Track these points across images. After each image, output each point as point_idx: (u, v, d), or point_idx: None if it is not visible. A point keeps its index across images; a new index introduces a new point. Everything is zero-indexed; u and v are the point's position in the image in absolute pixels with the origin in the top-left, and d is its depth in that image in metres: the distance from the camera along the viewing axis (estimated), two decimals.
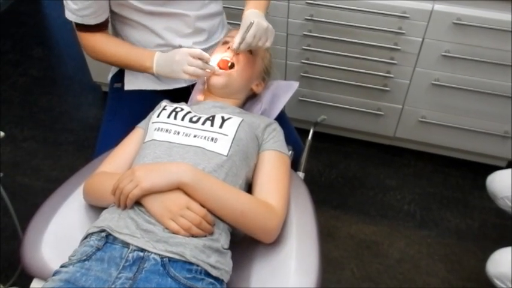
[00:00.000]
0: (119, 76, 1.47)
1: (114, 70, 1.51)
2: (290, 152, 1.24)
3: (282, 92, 1.35)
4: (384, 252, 1.83)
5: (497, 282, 1.22)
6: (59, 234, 1.11)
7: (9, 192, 1.47)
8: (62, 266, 0.94)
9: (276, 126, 1.18)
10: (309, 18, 1.79)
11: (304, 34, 1.84)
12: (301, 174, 1.33)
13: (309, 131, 1.45)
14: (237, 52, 1.21)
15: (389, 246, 1.85)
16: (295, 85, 1.36)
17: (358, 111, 2.01)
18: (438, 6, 1.63)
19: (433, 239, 1.86)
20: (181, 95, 1.40)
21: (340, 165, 2.15)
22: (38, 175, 2.07)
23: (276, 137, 1.15)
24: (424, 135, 2.02)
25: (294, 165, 1.32)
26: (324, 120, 1.48)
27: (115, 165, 1.15)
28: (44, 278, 1.05)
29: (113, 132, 1.39)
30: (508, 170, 1.39)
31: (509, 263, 1.20)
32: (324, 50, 1.86)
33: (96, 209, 1.14)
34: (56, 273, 0.93)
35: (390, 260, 1.80)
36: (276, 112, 1.32)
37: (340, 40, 1.81)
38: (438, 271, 1.76)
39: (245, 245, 1.07)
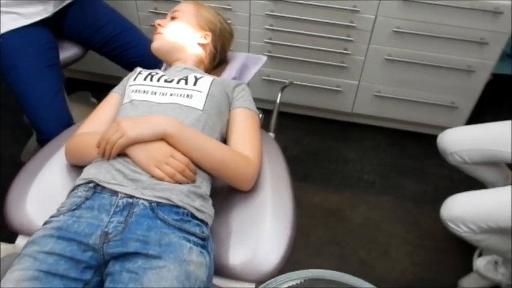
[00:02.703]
0: None
1: None
2: (260, 114, 1.33)
3: (251, 64, 1.44)
4: (347, 217, 1.95)
5: (452, 226, 1.35)
6: (42, 192, 1.15)
7: None
8: (51, 217, 0.99)
9: (245, 87, 1.26)
10: None
11: (266, 14, 1.94)
12: (271, 135, 1.42)
13: (271, 111, 1.54)
14: (158, 23, 1.32)
15: (352, 212, 1.97)
16: (263, 58, 1.45)
17: (319, 88, 2.12)
18: None
19: (392, 203, 2.00)
20: (52, 24, 1.60)
21: (303, 141, 2.27)
22: None
23: (245, 96, 1.23)
24: (379, 109, 2.16)
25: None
26: (291, 84, 1.58)
27: (93, 127, 1.19)
28: (29, 235, 1.09)
29: (32, 84, 1.51)
30: (456, 128, 1.53)
31: (461, 207, 1.33)
32: (286, 29, 1.96)
33: (77, 169, 1.18)
34: (46, 223, 0.98)
35: (353, 225, 1.92)
36: (245, 81, 1.41)
37: (301, 19, 1.92)
38: (398, 232, 1.89)
39: (224, 193, 1.15)
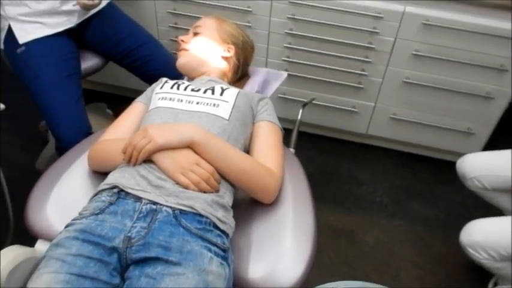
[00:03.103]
0: (11, 42, 1.56)
1: (1, 38, 1.60)
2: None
3: (273, 79, 1.45)
4: (360, 239, 1.92)
5: (471, 251, 1.33)
6: (62, 198, 1.15)
7: None
8: (73, 220, 0.98)
9: (268, 101, 1.27)
10: (291, 17, 1.90)
11: (286, 32, 1.95)
12: (292, 150, 1.42)
13: (289, 130, 1.54)
14: (181, 40, 1.34)
15: (364, 234, 1.95)
16: (284, 75, 1.47)
17: (334, 108, 2.13)
18: (409, 8, 1.78)
19: (404, 227, 1.98)
20: (74, 35, 1.63)
21: (317, 161, 2.26)
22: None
23: (269, 109, 1.24)
24: (394, 132, 2.16)
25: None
26: (312, 101, 1.58)
27: (116, 135, 1.20)
28: (48, 239, 1.08)
29: (53, 92, 1.53)
30: (477, 153, 1.52)
31: (481, 232, 1.32)
32: (304, 48, 1.97)
33: (98, 176, 1.18)
34: (68, 225, 0.97)
35: (365, 247, 1.90)
36: (267, 95, 1.41)
37: (320, 39, 1.93)
38: (409, 255, 1.87)
39: (244, 206, 1.14)
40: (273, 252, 1.05)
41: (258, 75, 1.43)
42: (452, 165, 2.16)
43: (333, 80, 2.04)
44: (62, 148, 1.47)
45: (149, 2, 2.03)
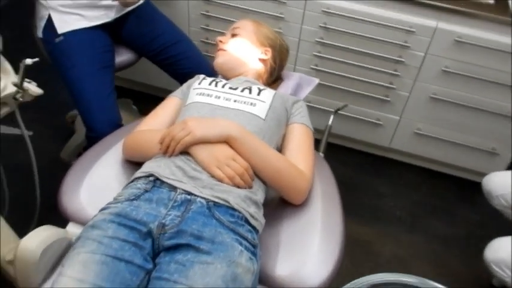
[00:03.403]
0: (50, 31, 1.58)
1: (41, 26, 1.62)
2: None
3: (305, 84, 1.47)
4: (376, 251, 1.92)
5: (495, 269, 1.32)
6: (95, 184, 1.17)
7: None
8: (108, 204, 1.00)
9: (303, 104, 1.28)
10: (323, 25, 1.92)
11: (316, 41, 1.97)
12: (321, 155, 1.43)
13: (317, 140, 1.54)
14: (220, 40, 1.37)
15: (381, 247, 1.94)
16: (316, 81, 1.48)
17: (359, 119, 2.13)
18: (442, 24, 1.79)
19: (421, 243, 1.97)
20: (111, 29, 1.67)
21: (337, 171, 2.24)
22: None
23: (302, 112, 1.25)
24: (417, 147, 2.16)
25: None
26: (345, 107, 1.59)
27: (151, 127, 1.22)
28: (80, 222, 1.10)
29: (88, 82, 1.55)
30: (504, 172, 1.52)
31: (507, 250, 1.31)
32: (333, 58, 1.99)
33: (131, 166, 1.20)
34: (103, 209, 0.99)
35: (381, 259, 1.89)
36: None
37: (349, 49, 1.95)
38: (427, 272, 1.85)
39: (273, 206, 1.15)
40: (301, 252, 1.05)
41: (292, 79, 1.45)
42: (473, 184, 2.17)
43: (359, 91, 2.05)
44: (92, 137, 1.49)
45: (183, 2, 2.06)
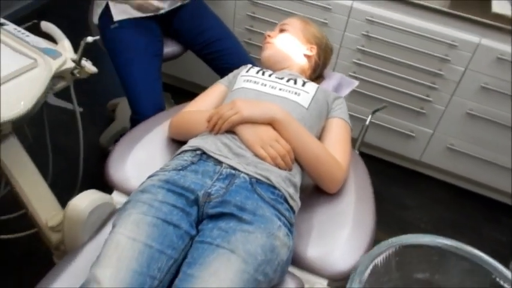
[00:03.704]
0: (106, 18, 1.67)
1: (98, 12, 1.70)
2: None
3: (345, 85, 1.51)
4: None
5: None
6: (140, 158, 1.24)
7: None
8: (156, 172, 1.06)
9: (343, 100, 1.33)
10: (365, 33, 1.96)
11: (357, 48, 2.01)
12: (356, 152, 1.47)
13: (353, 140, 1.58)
14: (268, 34, 1.43)
15: None
16: (356, 83, 1.53)
17: (391, 130, 2.15)
18: (485, 41, 1.81)
19: None
20: (162, 21, 1.75)
21: None
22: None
23: (343, 108, 1.30)
24: (448, 163, 2.16)
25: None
26: (384, 108, 1.63)
27: (198, 109, 1.28)
28: (124, 191, 1.16)
29: (137, 68, 1.63)
30: None
31: None
32: (372, 66, 2.02)
33: (175, 144, 1.26)
34: (151, 176, 1.05)
35: None
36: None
37: (389, 58, 1.98)
38: None
39: (308, 193, 1.19)
40: (331, 239, 1.09)
41: (333, 78, 1.49)
42: (502, 205, 2.15)
43: (395, 101, 2.07)
44: (137, 120, 1.56)
45: (231, 2, 2.13)
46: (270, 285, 0.97)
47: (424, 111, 2.05)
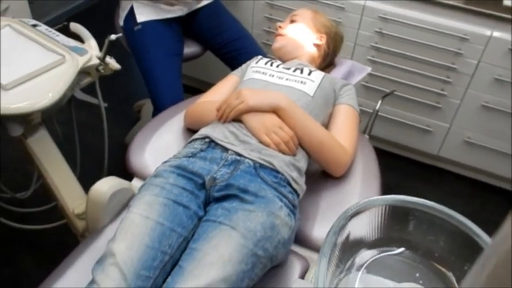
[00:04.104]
0: (130, 21, 1.77)
1: (123, 16, 1.81)
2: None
3: (357, 71, 1.56)
4: None
5: None
6: (158, 146, 1.32)
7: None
8: (169, 159, 1.14)
9: (352, 87, 1.38)
10: (378, 31, 2.01)
11: (371, 45, 2.06)
12: (366, 137, 1.52)
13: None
14: (279, 25, 1.49)
15: None
16: (368, 69, 1.57)
17: (408, 125, 2.18)
18: (496, 33, 1.83)
19: None
20: (183, 22, 1.85)
21: (384, 177, 2.29)
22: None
23: (350, 94, 1.35)
24: (467, 156, 2.17)
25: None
26: (392, 93, 1.68)
27: (212, 99, 1.36)
28: (142, 178, 1.25)
29: (159, 67, 1.73)
30: None
31: None
32: (386, 62, 2.07)
33: (190, 132, 1.35)
34: (165, 162, 1.13)
35: None
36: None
37: (403, 54, 2.02)
38: None
39: (315, 177, 1.25)
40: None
41: (343, 65, 1.55)
42: None
43: (411, 97, 2.11)
44: None
45: (249, 3, 2.22)
46: (272, 262, 1.03)
47: (439, 105, 2.08)
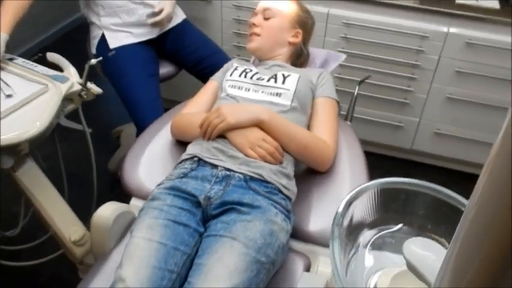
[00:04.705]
0: (103, 47, 1.81)
1: (94, 44, 1.86)
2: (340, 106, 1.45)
3: (332, 60, 1.62)
4: None
5: None
6: (150, 162, 1.36)
7: None
8: (162, 181, 1.18)
9: (327, 74, 1.42)
10: (343, 36, 2.11)
11: (338, 50, 2.15)
12: (348, 123, 1.60)
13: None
14: (253, 23, 1.44)
15: None
16: (343, 56, 1.62)
17: (380, 123, 2.28)
18: (453, 29, 1.96)
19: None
20: (155, 44, 1.92)
21: None
22: None
23: (326, 84, 1.38)
24: (439, 147, 2.28)
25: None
26: (368, 78, 1.76)
27: (195, 109, 1.40)
28: (141, 196, 1.28)
29: (137, 88, 1.77)
30: None
31: None
32: (354, 65, 2.17)
33: (179, 144, 1.38)
34: (159, 184, 1.17)
35: None
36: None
37: (369, 56, 2.12)
38: None
39: (305, 173, 1.30)
40: (332, 208, 1.16)
41: (319, 56, 1.59)
42: None
43: (380, 96, 2.21)
44: None
45: (217, 22, 2.29)
46: (275, 267, 1.07)
47: (408, 101, 2.19)
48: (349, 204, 0.85)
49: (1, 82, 1.34)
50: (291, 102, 1.30)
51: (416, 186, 0.88)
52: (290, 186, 1.18)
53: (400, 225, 0.85)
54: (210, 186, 1.13)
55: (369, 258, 0.80)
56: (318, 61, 1.60)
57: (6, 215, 1.98)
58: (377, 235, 0.84)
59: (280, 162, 1.20)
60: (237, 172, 1.15)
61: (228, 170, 1.15)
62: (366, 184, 0.90)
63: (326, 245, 1.17)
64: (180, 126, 1.37)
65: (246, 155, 1.18)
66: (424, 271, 0.68)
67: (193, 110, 1.39)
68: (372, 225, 0.84)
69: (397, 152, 2.43)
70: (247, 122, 1.20)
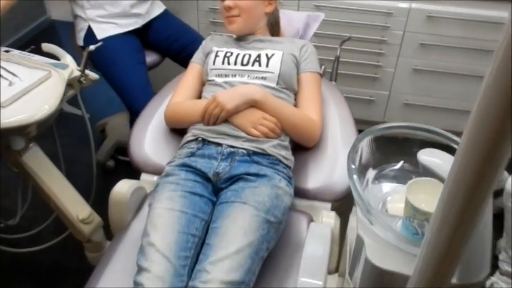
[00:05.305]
0: (90, 39, 1.86)
1: (81, 36, 1.92)
2: (322, 67, 1.58)
3: (312, 22, 1.71)
4: None
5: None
6: (155, 136, 1.45)
7: None
8: (171, 160, 1.28)
9: (309, 47, 1.49)
10: None
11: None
12: (334, 83, 1.73)
13: None
14: (228, 6, 1.44)
15: None
16: (321, 16, 1.72)
17: (353, 98, 2.43)
18: (414, 4, 2.13)
19: None
20: (140, 34, 1.98)
21: None
22: None
23: (308, 57, 1.46)
24: (409, 117, 2.44)
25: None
26: (350, 39, 1.87)
27: (184, 96, 1.47)
28: (149, 172, 1.36)
29: (129, 74, 1.85)
30: None
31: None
32: (325, 45, 2.30)
33: None
34: (169, 162, 1.27)
35: None
36: (308, 37, 1.70)
37: (339, 35, 2.26)
38: None
39: (298, 151, 1.41)
40: (328, 166, 1.32)
41: (299, 22, 1.68)
42: None
43: (352, 72, 2.35)
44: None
45: (193, 13, 2.37)
46: (281, 226, 1.18)
47: (377, 75, 2.34)
48: (356, 146, 0.96)
49: (5, 70, 1.38)
50: (276, 84, 1.38)
51: (410, 128, 1.01)
52: (289, 156, 1.31)
53: (401, 163, 0.98)
54: (217, 163, 1.24)
55: (378, 187, 0.93)
56: (300, 25, 1.67)
57: (4, 205, 2.01)
58: (382, 172, 0.96)
59: (279, 136, 1.31)
60: (240, 148, 1.26)
61: (232, 147, 1.26)
62: (370, 128, 1.01)
63: (325, 200, 1.29)
64: (174, 117, 1.43)
65: (249, 134, 1.28)
66: (438, 170, 0.79)
67: (183, 97, 1.45)
68: (376, 165, 0.97)
69: (370, 126, 2.57)
70: (244, 104, 1.30)
